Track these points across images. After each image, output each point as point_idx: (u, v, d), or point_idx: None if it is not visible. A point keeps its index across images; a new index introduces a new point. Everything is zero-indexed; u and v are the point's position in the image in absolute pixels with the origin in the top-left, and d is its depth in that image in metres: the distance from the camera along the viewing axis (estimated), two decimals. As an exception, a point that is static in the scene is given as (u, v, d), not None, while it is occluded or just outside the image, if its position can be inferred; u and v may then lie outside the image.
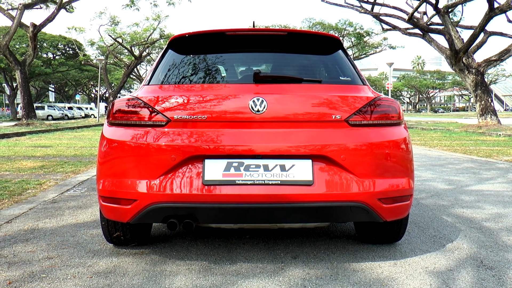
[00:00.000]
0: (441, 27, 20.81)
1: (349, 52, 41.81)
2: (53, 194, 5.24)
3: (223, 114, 2.62)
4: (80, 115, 52.69)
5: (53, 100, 67.08)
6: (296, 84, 2.83)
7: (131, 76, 48.80)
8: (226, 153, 2.53)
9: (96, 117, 40.23)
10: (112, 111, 2.81)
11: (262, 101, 2.62)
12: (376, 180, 2.59)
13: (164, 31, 38.79)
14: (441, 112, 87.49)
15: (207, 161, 2.53)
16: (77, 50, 42.46)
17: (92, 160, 8.71)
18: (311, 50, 3.19)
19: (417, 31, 22.18)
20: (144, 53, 40.82)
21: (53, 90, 65.35)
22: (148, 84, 2.96)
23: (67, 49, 46.94)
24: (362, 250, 3.15)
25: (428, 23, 21.75)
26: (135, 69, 45.50)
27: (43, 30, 28.99)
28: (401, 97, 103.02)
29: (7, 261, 2.92)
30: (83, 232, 3.63)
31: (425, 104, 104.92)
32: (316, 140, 2.57)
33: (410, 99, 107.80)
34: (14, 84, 43.55)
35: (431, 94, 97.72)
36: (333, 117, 2.65)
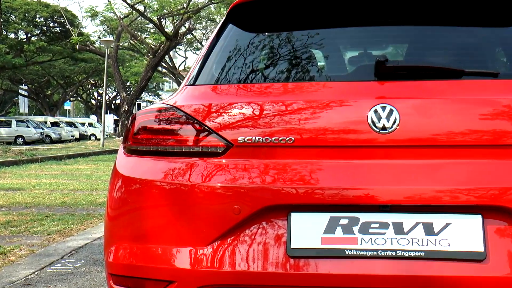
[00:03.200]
0: None
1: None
2: (25, 271, 5.45)
3: (321, 135, 2.64)
4: (72, 136, 54.62)
5: (26, 111, 69.98)
6: (450, 81, 2.80)
7: (159, 68, 49.78)
8: (327, 201, 2.54)
9: (99, 139, 41.59)
10: (132, 130, 2.91)
11: (391, 111, 2.61)
12: None
13: (216, -9, 39.48)
14: None
15: (294, 216, 2.55)
16: (67, 27, 43.85)
17: (94, 212, 9.03)
18: (475, 19, 3.16)
19: None
20: (182, 30, 41.67)
21: (26, 94, 68.17)
22: (193, 84, 3.04)
23: (51, 24, 48.81)
24: None
25: None
26: (166, 57, 46.31)
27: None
28: None
29: None
30: (81, 335, 3.75)
31: None
32: (489, 180, 2.54)
33: None
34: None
35: None
36: (521, 140, 2.59)
